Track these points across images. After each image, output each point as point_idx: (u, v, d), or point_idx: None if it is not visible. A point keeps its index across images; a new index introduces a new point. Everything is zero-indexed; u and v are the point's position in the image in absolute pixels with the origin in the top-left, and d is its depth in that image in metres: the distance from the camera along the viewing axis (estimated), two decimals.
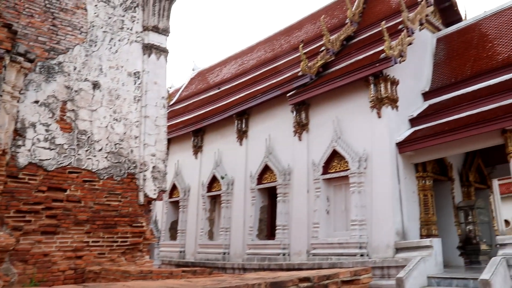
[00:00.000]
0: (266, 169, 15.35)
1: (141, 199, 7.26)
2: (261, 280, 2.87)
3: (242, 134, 16.68)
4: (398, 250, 11.54)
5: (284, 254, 14.14)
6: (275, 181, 14.84)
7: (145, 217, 7.31)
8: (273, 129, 15.49)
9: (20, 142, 6.38)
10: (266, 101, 15.62)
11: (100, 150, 6.98)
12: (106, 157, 7.01)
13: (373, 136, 12.56)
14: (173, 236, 19.62)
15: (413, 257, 10.58)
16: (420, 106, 13.83)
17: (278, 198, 14.64)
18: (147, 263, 7.09)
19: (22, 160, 6.37)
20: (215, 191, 17.49)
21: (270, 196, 15.57)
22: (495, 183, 18.04)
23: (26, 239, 6.27)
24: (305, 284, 2.99)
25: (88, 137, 6.94)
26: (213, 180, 17.60)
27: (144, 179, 7.35)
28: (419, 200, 12.80)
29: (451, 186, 14.50)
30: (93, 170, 6.87)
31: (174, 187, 19.76)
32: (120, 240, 6.95)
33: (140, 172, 7.32)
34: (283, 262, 13.71)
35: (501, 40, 13.82)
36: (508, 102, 11.28)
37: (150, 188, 7.38)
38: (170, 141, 20.30)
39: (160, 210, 20.43)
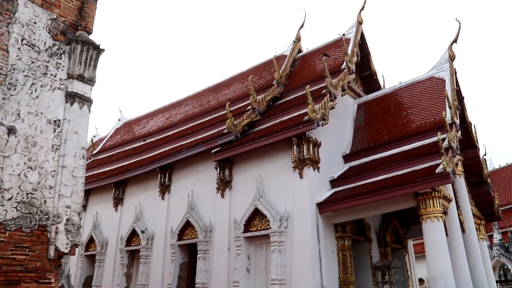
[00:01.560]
0: (187, 225, 15.05)
1: (52, 253, 6.77)
2: None
3: (165, 189, 16.37)
4: None
5: None
6: (196, 237, 14.56)
7: (54, 273, 6.80)
8: (196, 185, 15.34)
9: None
10: (191, 156, 15.52)
11: (10, 199, 6.51)
12: (16, 207, 6.53)
13: (295, 195, 12.75)
14: None
15: None
16: (341, 168, 14.28)
17: (198, 255, 14.32)
18: None
19: None
20: (134, 246, 16.86)
21: (191, 252, 15.22)
22: (410, 243, 18.78)
23: None
24: None
25: None
26: (133, 234, 16.99)
27: (57, 232, 6.88)
28: (338, 260, 13.00)
29: (369, 246, 14.87)
30: (0, 221, 6.38)
31: (91, 240, 18.84)
32: None
33: (53, 224, 6.87)
34: None
35: (414, 109, 14.75)
36: (420, 167, 11.90)
37: (62, 242, 6.91)
38: (90, 192, 19.62)
39: (74, 264, 19.34)
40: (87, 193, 19.94)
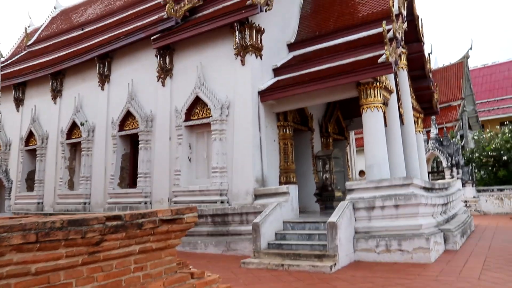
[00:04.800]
0: (128, 115, 14.71)
1: None
2: (61, 217, 2.52)
3: (104, 79, 15.73)
4: (257, 196, 11.79)
5: (146, 203, 13.85)
6: (137, 127, 14.30)
7: None
8: (136, 74, 14.79)
9: None
10: (130, 44, 14.80)
11: None
12: None
13: (236, 83, 12.50)
14: (30, 187, 18.28)
15: (270, 203, 10.85)
16: (285, 57, 13.99)
17: (140, 145, 14.15)
18: None
19: None
20: (75, 139, 16.46)
21: (133, 143, 15.02)
22: (352, 135, 19.26)
23: None
24: (114, 223, 2.67)
25: None
26: (73, 127, 16.53)
27: None
28: (279, 149, 13.16)
29: (311, 136, 15.09)
30: None
31: (30, 134, 18.28)
32: None
33: None
34: (144, 211, 13.39)
35: None
36: (363, 57, 11.75)
37: None
38: (26, 85, 18.76)
39: (15, 159, 18.90)
40: (23, 86, 19.07)
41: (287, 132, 13.31)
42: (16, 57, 21.92)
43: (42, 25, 23.32)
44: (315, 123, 15.51)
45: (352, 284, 7.10)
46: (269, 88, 12.42)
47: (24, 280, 2.24)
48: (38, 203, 17.37)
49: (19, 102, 19.11)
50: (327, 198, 14.50)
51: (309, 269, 8.51)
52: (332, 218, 9.12)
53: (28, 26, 23.66)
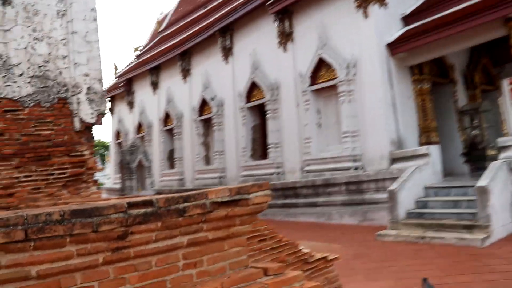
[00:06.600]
0: (253, 86, 14.45)
1: (77, 125, 6.38)
2: (61, 208, 2.01)
3: (227, 52, 15.60)
4: (393, 160, 10.74)
5: (278, 174, 13.51)
6: (263, 97, 13.91)
7: (85, 145, 6.46)
8: (257, 43, 14.40)
9: None
10: (249, 14, 14.42)
11: (21, 75, 6.05)
12: (29, 82, 6.09)
13: (361, 39, 11.41)
14: (171, 165, 19.15)
15: (408, 167, 9.73)
16: (414, 3, 12.41)
17: (267, 115, 13.78)
18: (93, 194, 6.37)
19: None
20: (206, 115, 16.72)
21: (261, 114, 14.71)
22: (505, 84, 16.76)
23: None
24: (142, 211, 2.08)
25: (4, 61, 5.99)
26: (204, 104, 16.81)
27: (78, 103, 6.42)
28: (416, 106, 11.78)
29: (453, 89, 13.37)
30: (15, 98, 5.98)
31: (167, 115, 19.11)
32: (57, 172, 6.17)
33: (73, 95, 6.39)
34: (276, 182, 13.09)
35: None
36: None
37: (86, 112, 6.46)
38: (160, 68, 19.48)
39: (156, 140, 19.95)
40: (157, 70, 19.88)
41: (424, 86, 11.85)
42: (149, 45, 22.94)
43: (170, 11, 24.09)
44: (458, 74, 13.68)
45: (510, 263, 5.85)
46: (399, 39, 11.10)
47: (25, 285, 1.76)
48: (180, 179, 18.08)
49: (155, 85, 19.97)
50: (477, 158, 12.70)
51: (455, 242, 7.33)
52: (482, 182, 7.77)
53: (161, 13, 24.67)
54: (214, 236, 2.45)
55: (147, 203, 2.12)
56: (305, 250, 4.53)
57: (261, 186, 2.61)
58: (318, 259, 4.57)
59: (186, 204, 2.25)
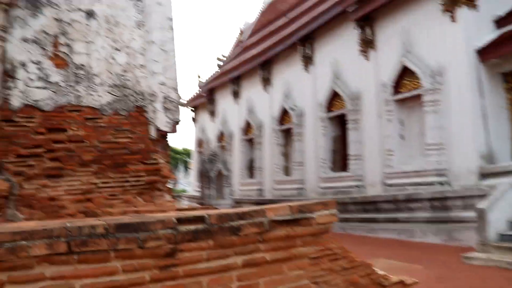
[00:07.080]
0: (334, 96, 14.14)
1: (153, 133, 6.49)
2: (103, 221, 1.92)
3: (307, 61, 15.40)
4: (483, 176, 9.95)
5: (358, 186, 13.06)
6: (344, 107, 13.55)
7: (160, 153, 6.56)
8: (338, 52, 14.06)
9: (11, 84, 5.85)
10: (329, 22, 14.14)
11: (101, 84, 6.26)
12: (108, 91, 6.29)
13: (448, 44, 10.72)
14: (251, 175, 19.22)
15: (501, 184, 8.93)
16: (509, 2, 11.46)
17: (348, 126, 13.41)
18: (167, 202, 6.43)
19: (16, 102, 5.84)
20: (286, 125, 16.61)
21: (341, 124, 14.33)
22: None
23: (30, 184, 5.84)
24: (192, 227, 1.95)
25: (87, 71, 6.23)
26: (284, 113, 16.72)
27: (154, 111, 6.53)
28: (509, 117, 10.86)
29: None
30: (95, 106, 6.20)
31: (248, 125, 19.24)
32: (132, 179, 6.30)
33: (149, 104, 6.52)
34: (357, 195, 12.66)
35: None
36: None
37: (162, 121, 6.57)
38: (240, 78, 19.69)
39: (237, 149, 20.13)
40: (238, 79, 20.07)
41: None
42: (232, 54, 23.29)
43: (253, 20, 24.34)
44: None
45: None
46: (491, 44, 10.30)
47: None
48: (259, 189, 18.08)
49: (236, 95, 20.19)
50: None
51: None
52: None
53: (244, 25, 25.00)
54: (272, 257, 2.30)
55: (198, 219, 2.00)
56: (380, 272, 4.23)
57: (326, 204, 2.42)
58: (395, 283, 4.26)
59: (241, 222, 2.11)
